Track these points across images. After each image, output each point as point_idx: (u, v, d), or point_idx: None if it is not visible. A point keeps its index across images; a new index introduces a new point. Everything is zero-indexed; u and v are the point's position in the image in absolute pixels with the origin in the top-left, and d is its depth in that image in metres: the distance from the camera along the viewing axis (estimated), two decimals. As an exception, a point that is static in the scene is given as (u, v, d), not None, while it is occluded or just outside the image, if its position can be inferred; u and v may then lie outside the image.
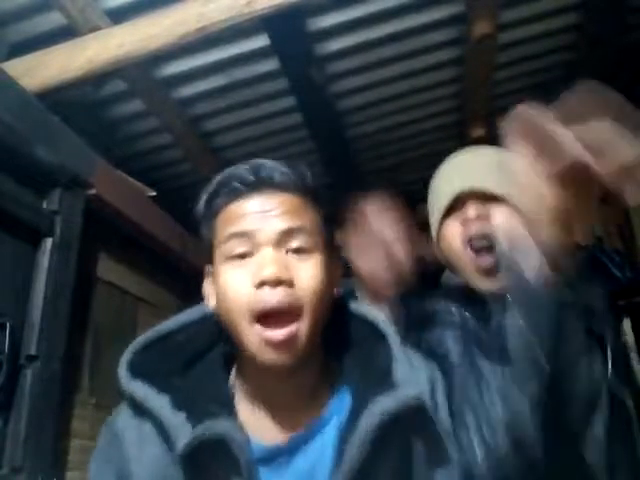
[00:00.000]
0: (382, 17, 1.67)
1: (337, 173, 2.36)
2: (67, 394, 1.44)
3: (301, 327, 0.63)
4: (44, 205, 1.40)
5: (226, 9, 1.35)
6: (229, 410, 0.67)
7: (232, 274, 0.65)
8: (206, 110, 1.92)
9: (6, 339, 1.21)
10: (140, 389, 0.68)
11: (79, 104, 1.64)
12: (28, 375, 1.26)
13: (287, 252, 0.65)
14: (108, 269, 1.73)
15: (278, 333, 0.62)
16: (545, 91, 2.23)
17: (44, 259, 1.36)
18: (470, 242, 0.90)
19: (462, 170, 0.96)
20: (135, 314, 1.88)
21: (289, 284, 0.63)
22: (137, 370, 0.70)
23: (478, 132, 2.12)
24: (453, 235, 0.93)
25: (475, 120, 2.10)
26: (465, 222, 0.91)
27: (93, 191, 1.53)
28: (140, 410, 0.68)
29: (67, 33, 1.49)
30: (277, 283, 0.62)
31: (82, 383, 1.53)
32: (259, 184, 0.68)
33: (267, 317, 0.62)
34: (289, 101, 1.93)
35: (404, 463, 0.65)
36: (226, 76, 1.79)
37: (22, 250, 1.33)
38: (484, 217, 0.90)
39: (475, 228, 0.89)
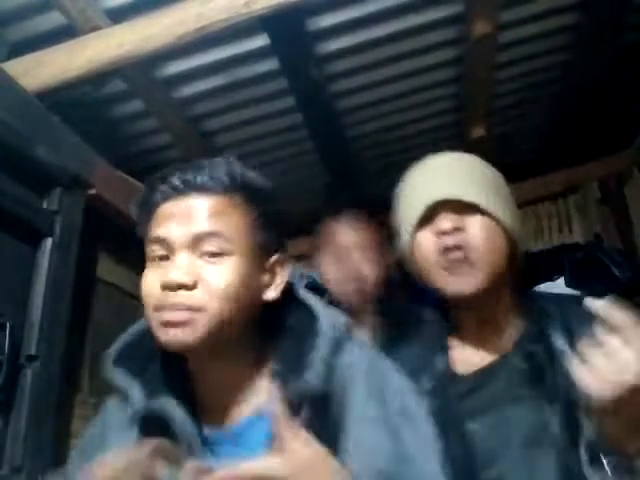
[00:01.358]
0: (382, 17, 1.67)
1: (337, 173, 2.36)
2: (67, 394, 1.44)
3: (198, 317, 0.67)
4: (44, 205, 1.40)
5: (225, 9, 1.35)
6: (179, 391, 0.73)
7: (149, 275, 0.72)
8: (206, 110, 1.92)
9: (6, 339, 1.21)
10: (118, 374, 0.76)
11: (79, 104, 1.64)
12: (28, 375, 1.26)
13: (202, 255, 0.70)
14: (108, 269, 1.73)
15: (172, 315, 0.68)
16: (545, 91, 2.24)
17: (44, 259, 1.36)
18: (445, 253, 0.86)
19: (434, 178, 0.92)
20: (135, 314, 1.87)
21: (190, 287, 0.68)
22: (120, 358, 0.79)
23: (478, 132, 2.12)
24: (427, 247, 0.89)
25: (475, 120, 2.10)
26: (440, 235, 0.87)
27: (93, 191, 1.53)
28: (123, 396, 0.76)
29: (67, 33, 1.49)
30: (177, 287, 0.68)
31: (82, 383, 1.53)
32: (185, 187, 0.72)
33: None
34: (289, 101, 1.93)
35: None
36: (226, 76, 1.79)
37: (22, 250, 1.33)
38: (460, 228, 0.86)
39: (451, 240, 0.86)
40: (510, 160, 2.62)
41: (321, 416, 0.69)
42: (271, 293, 0.75)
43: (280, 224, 0.78)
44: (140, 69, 1.64)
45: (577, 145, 2.38)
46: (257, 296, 0.73)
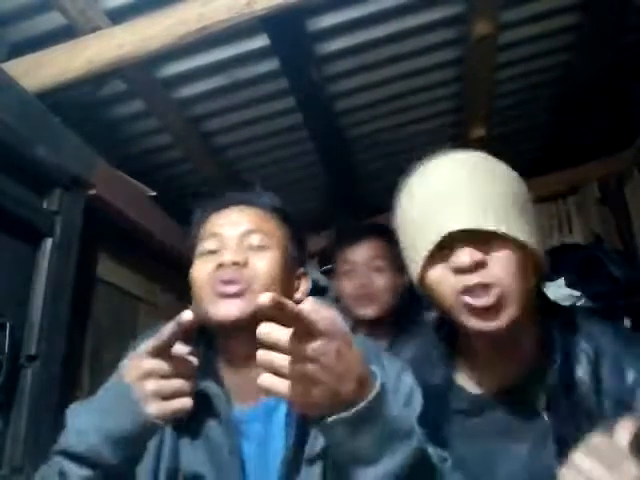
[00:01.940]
0: (382, 17, 1.67)
1: (337, 173, 2.36)
2: (67, 394, 1.44)
3: (248, 293, 0.79)
4: (44, 205, 1.40)
5: (226, 9, 1.35)
6: (215, 377, 0.83)
7: (201, 264, 0.85)
8: (206, 110, 1.92)
9: (6, 339, 1.20)
10: None
11: (79, 104, 1.64)
12: (28, 375, 1.26)
13: (248, 247, 0.85)
14: (108, 269, 1.73)
15: (226, 287, 0.80)
16: (545, 92, 2.24)
17: (44, 259, 1.36)
18: (466, 294, 0.74)
19: (447, 200, 0.77)
20: (135, 314, 1.88)
21: (242, 265, 0.81)
22: None
23: (478, 132, 2.12)
24: (444, 286, 0.76)
25: (475, 120, 2.10)
26: (458, 271, 0.74)
27: (93, 191, 1.53)
28: None
29: (67, 33, 1.48)
30: (232, 264, 0.81)
31: (82, 383, 1.53)
32: (237, 202, 0.92)
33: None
34: (289, 101, 1.93)
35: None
36: (226, 76, 1.78)
37: (22, 250, 1.33)
38: (480, 264, 0.73)
39: (472, 279, 0.73)
40: (510, 161, 2.63)
41: None
42: (299, 296, 0.89)
43: (304, 247, 0.96)
44: (140, 69, 1.64)
45: (577, 145, 2.38)
46: (290, 293, 0.87)
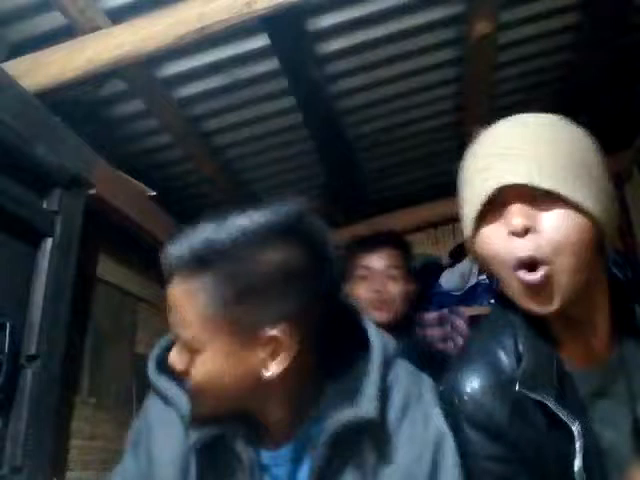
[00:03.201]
0: (382, 17, 1.67)
1: (337, 173, 2.36)
2: (67, 394, 1.44)
3: None
4: (44, 205, 1.40)
5: (226, 9, 1.35)
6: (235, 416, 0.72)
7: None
8: (206, 110, 1.92)
9: (6, 339, 1.21)
10: (165, 384, 0.76)
11: (79, 104, 1.64)
12: (28, 375, 1.26)
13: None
14: (108, 269, 1.73)
15: None
16: (545, 92, 2.24)
17: (44, 259, 1.36)
18: (518, 268, 0.72)
19: (508, 157, 0.74)
20: (135, 314, 1.88)
21: (183, 372, 0.70)
22: (163, 365, 0.77)
23: (478, 132, 2.12)
24: (495, 247, 0.74)
25: (475, 120, 2.10)
26: (511, 234, 0.72)
27: (93, 191, 1.53)
28: (166, 400, 0.76)
29: (67, 33, 1.48)
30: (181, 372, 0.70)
31: (82, 383, 1.53)
32: (170, 270, 0.68)
33: None
34: (289, 101, 1.93)
35: (356, 475, 0.70)
36: (226, 76, 1.78)
37: (22, 250, 1.33)
38: (533, 229, 0.70)
39: (523, 248, 0.71)
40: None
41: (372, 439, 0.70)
42: (273, 369, 0.66)
43: (272, 288, 0.65)
44: (140, 69, 1.64)
45: (577, 145, 2.37)
46: (253, 375, 0.67)
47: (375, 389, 0.70)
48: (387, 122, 2.14)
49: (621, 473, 0.73)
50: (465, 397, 0.76)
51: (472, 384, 0.76)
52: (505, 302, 0.80)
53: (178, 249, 0.65)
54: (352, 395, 0.70)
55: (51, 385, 1.32)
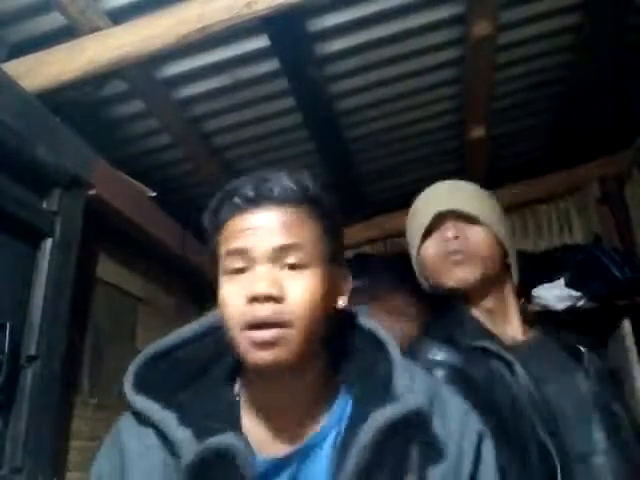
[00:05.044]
0: (382, 18, 1.67)
1: (337, 173, 2.36)
2: (67, 394, 1.44)
3: (288, 333, 0.66)
4: (44, 205, 1.40)
5: (226, 9, 1.35)
6: (233, 424, 0.70)
7: (228, 288, 0.70)
8: (206, 110, 1.92)
9: (6, 339, 1.21)
10: (145, 403, 0.71)
11: (79, 104, 1.64)
12: (28, 375, 1.26)
13: (282, 268, 0.69)
14: (108, 269, 1.73)
15: (264, 334, 0.66)
16: (545, 92, 2.24)
17: (44, 259, 1.36)
18: (449, 255, 1.03)
19: (441, 195, 1.10)
20: (135, 314, 1.88)
21: (278, 300, 0.66)
22: (142, 384, 0.73)
23: (478, 132, 2.12)
24: (435, 250, 1.06)
25: (475, 120, 2.10)
26: (444, 241, 1.04)
27: (93, 191, 1.53)
28: (144, 421, 0.70)
29: (67, 33, 1.48)
30: (266, 299, 0.66)
31: (82, 383, 1.53)
32: (259, 199, 0.71)
33: (257, 327, 0.66)
34: (289, 101, 1.93)
35: (399, 472, 0.66)
36: (226, 76, 1.78)
37: (22, 250, 1.33)
38: (462, 237, 1.03)
39: (453, 245, 1.03)
40: (510, 160, 2.63)
41: (416, 433, 0.69)
42: (340, 302, 0.75)
43: (341, 236, 0.78)
44: (141, 70, 1.64)
45: (577, 145, 2.38)
46: (332, 306, 0.73)
47: (409, 382, 0.69)
48: (387, 123, 2.15)
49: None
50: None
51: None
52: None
53: (277, 182, 0.72)
54: (383, 393, 0.68)
55: (51, 385, 1.32)
